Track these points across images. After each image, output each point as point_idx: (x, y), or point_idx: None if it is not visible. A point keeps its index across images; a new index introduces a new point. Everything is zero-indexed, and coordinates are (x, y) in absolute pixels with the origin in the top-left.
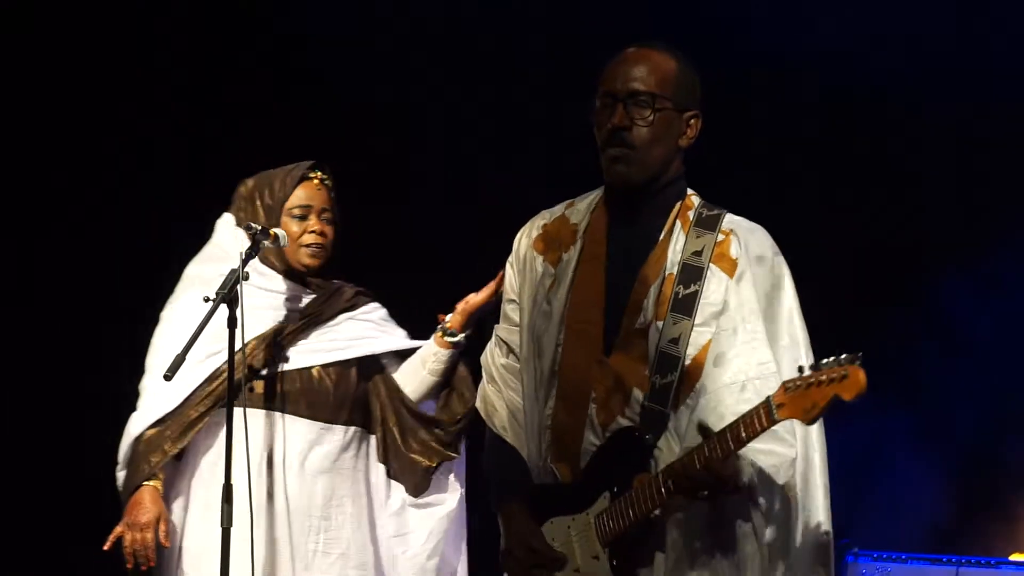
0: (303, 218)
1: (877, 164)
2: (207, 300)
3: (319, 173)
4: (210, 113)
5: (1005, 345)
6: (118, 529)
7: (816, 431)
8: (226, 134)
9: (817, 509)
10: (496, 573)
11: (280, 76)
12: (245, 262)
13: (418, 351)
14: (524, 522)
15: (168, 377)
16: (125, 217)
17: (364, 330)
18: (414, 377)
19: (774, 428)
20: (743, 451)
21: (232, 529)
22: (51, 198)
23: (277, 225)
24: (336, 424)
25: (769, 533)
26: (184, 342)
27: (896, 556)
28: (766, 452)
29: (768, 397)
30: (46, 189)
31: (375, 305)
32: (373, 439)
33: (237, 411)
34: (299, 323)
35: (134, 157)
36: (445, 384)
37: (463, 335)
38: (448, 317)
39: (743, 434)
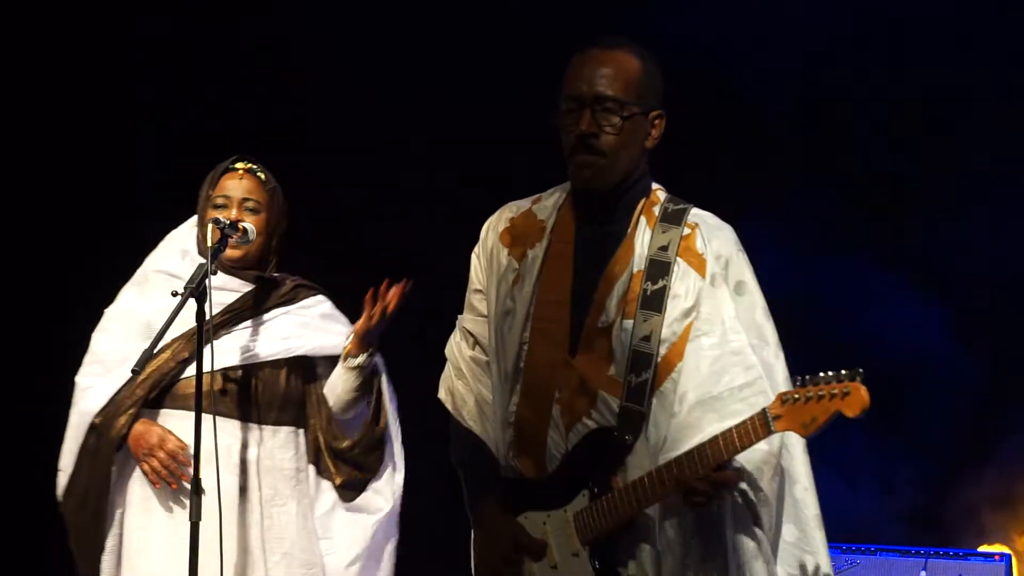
0: (223, 208)
1: None
2: (175, 295)
3: (244, 164)
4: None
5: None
6: (144, 467)
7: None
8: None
9: (800, 478)
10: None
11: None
12: (213, 256)
13: (334, 371)
14: (500, 516)
15: (136, 372)
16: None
17: (295, 327)
18: (333, 392)
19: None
20: None
21: (180, 528)
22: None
23: (204, 219)
24: (266, 424)
25: (754, 533)
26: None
27: (865, 548)
28: (749, 451)
29: (764, 409)
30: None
31: (319, 299)
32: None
33: (198, 410)
34: (223, 318)
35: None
36: (364, 398)
37: (363, 356)
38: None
39: (738, 443)
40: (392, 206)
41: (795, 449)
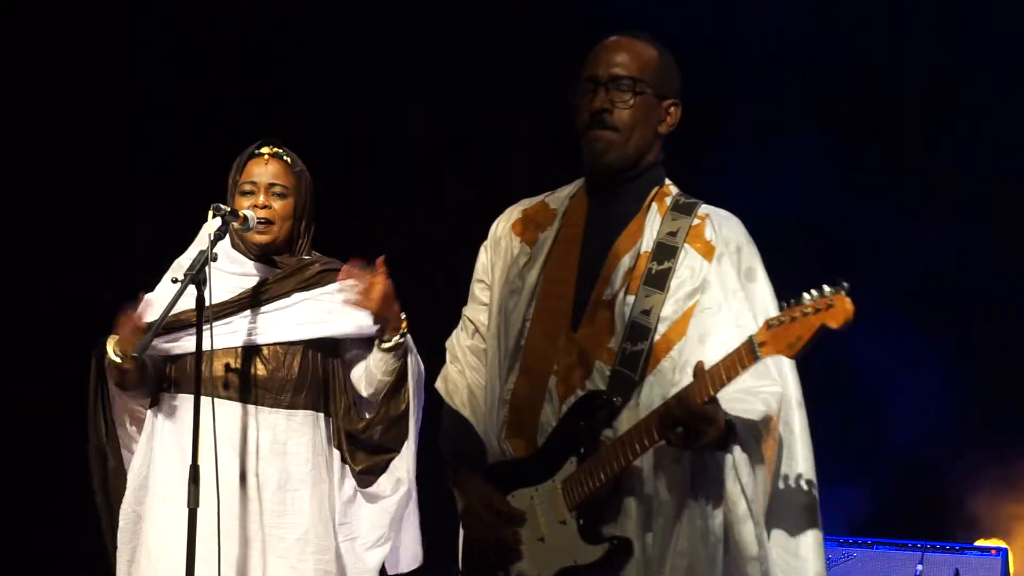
0: (250, 194)
1: None
2: (175, 281)
3: (270, 148)
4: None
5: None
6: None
7: (792, 379)
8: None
9: (798, 459)
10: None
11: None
12: (214, 243)
13: (370, 354)
14: (482, 487)
15: (136, 356)
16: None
17: (316, 312)
18: (367, 374)
19: (756, 369)
20: (726, 409)
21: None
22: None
23: (232, 206)
24: (280, 408)
25: (750, 488)
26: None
27: (862, 541)
28: (746, 406)
29: (750, 336)
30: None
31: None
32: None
33: (197, 395)
34: (237, 301)
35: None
36: (400, 383)
37: (396, 338)
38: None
39: (724, 375)
40: (400, 201)
41: (797, 428)
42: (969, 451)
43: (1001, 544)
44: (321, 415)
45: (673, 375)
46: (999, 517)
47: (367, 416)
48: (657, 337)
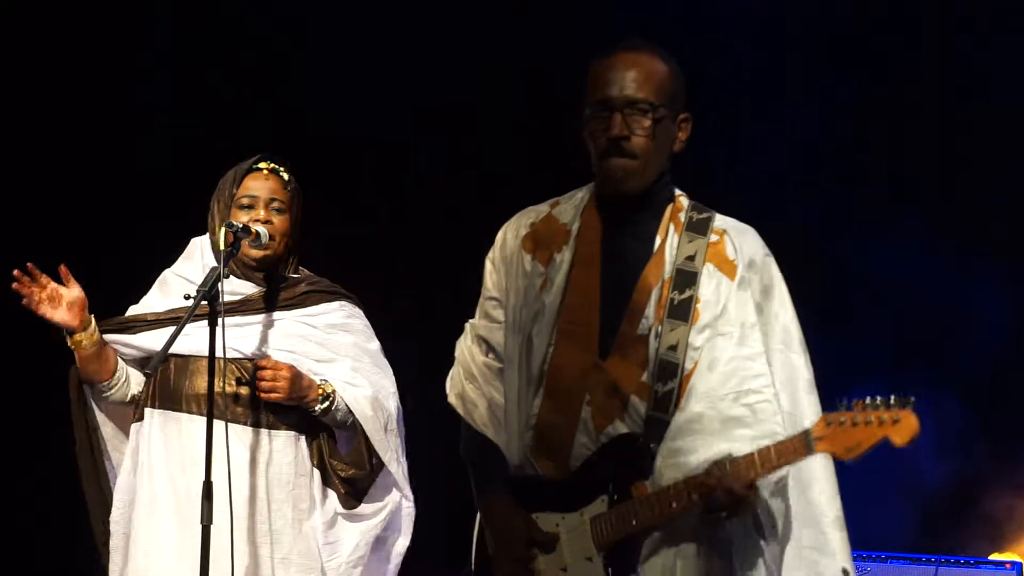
0: (249, 208)
1: None
2: (187, 297)
3: (268, 164)
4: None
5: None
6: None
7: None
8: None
9: (821, 509)
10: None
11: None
12: (227, 259)
13: None
14: (510, 507)
15: (149, 373)
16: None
17: (294, 336)
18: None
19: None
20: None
21: (187, 530)
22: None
23: (227, 218)
24: (261, 428)
25: (774, 548)
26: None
27: (876, 555)
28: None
29: (807, 430)
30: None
31: (334, 305)
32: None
33: (210, 413)
34: (227, 314)
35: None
36: (346, 430)
37: (319, 407)
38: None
39: (775, 461)
40: (407, 206)
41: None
42: (986, 461)
43: (1016, 558)
44: (303, 436)
45: (689, 408)
46: (1016, 530)
47: (348, 461)
48: (687, 369)
